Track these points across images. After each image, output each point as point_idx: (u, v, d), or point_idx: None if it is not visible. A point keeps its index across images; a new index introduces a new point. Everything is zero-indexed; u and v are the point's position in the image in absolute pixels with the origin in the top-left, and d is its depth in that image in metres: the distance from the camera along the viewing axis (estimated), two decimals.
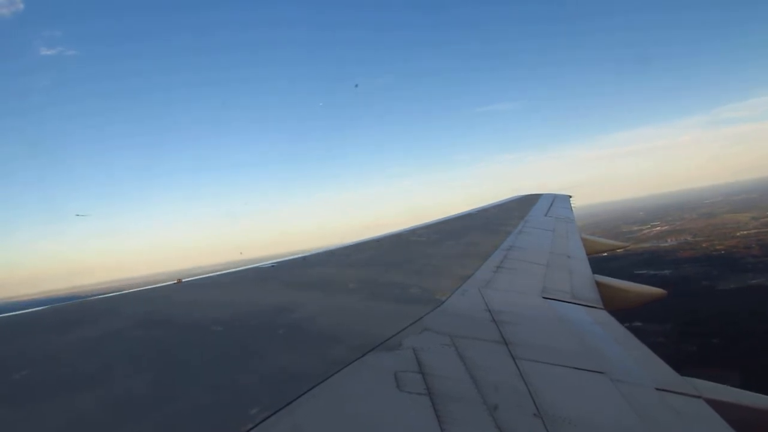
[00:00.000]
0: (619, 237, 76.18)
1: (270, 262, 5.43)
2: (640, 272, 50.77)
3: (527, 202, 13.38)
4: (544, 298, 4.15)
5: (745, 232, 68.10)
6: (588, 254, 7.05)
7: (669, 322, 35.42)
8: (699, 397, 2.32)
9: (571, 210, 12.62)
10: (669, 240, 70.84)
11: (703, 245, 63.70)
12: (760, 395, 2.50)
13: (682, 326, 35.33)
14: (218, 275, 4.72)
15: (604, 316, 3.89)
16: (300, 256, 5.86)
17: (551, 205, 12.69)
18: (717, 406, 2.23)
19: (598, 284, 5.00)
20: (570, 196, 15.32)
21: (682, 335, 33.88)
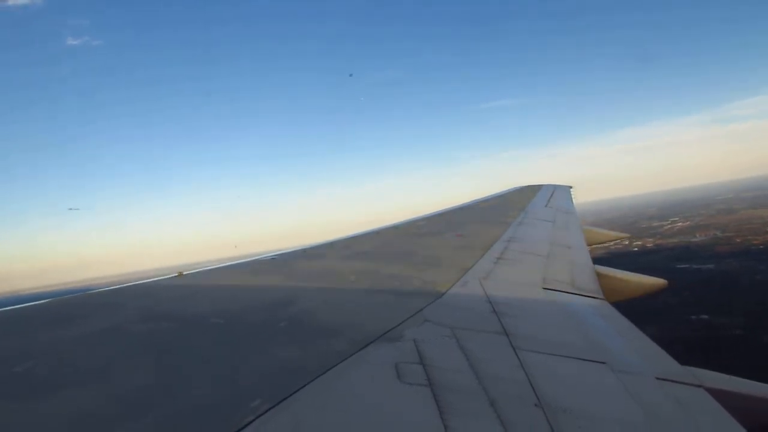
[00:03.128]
0: (642, 233, 76.25)
1: (270, 254, 5.43)
2: (682, 266, 50.99)
3: (527, 193, 13.35)
4: (544, 289, 4.15)
5: None
6: (588, 245, 7.04)
7: (739, 316, 35.01)
8: (700, 386, 2.33)
9: (572, 201, 12.59)
10: (698, 235, 70.58)
11: (737, 240, 63.35)
12: (761, 384, 2.51)
13: (756, 320, 34.63)
14: (219, 268, 4.72)
15: (605, 306, 3.89)
16: (300, 248, 5.86)
17: (551, 196, 12.66)
18: (718, 394, 2.23)
19: (599, 275, 5.00)
20: (570, 187, 15.28)
21: (760, 328, 33.27)
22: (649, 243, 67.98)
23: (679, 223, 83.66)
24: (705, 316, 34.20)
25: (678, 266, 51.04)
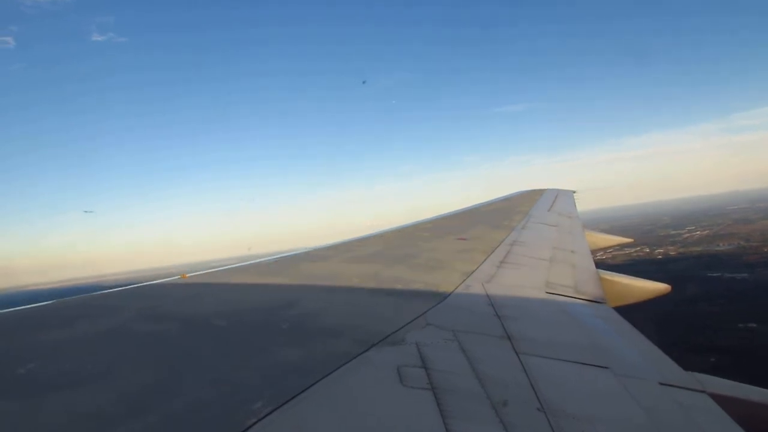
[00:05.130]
0: (662, 241, 75.23)
1: (273, 256, 5.45)
2: (714, 275, 50.80)
3: (531, 197, 13.34)
4: (547, 293, 4.15)
5: None
6: (591, 250, 7.02)
7: None
8: (703, 391, 2.32)
9: (575, 205, 12.56)
10: (721, 244, 69.42)
11: (765, 250, 62.40)
12: (764, 390, 2.50)
13: None
14: (222, 270, 4.74)
15: (608, 311, 3.88)
16: (303, 250, 5.87)
17: (555, 200, 12.64)
18: (721, 400, 2.22)
19: (602, 279, 4.99)
20: (574, 192, 15.24)
21: None
22: (672, 251, 67.57)
23: (698, 232, 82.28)
24: (753, 325, 34.15)
25: (709, 275, 50.98)
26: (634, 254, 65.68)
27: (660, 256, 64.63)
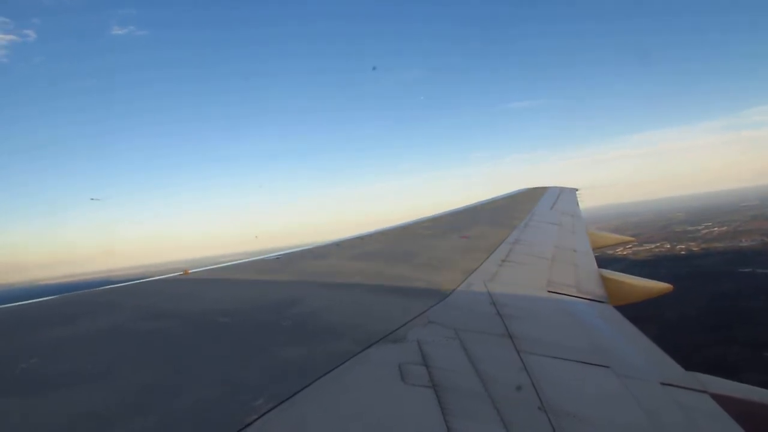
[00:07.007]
0: (681, 237, 74.96)
1: (275, 253, 5.45)
2: (745, 270, 50.51)
3: (533, 195, 13.30)
4: (549, 292, 4.14)
5: None
6: (593, 248, 7.01)
7: None
8: (704, 392, 2.31)
9: (578, 203, 12.53)
10: (744, 240, 68.10)
11: None
12: (765, 390, 2.49)
13: None
14: (224, 267, 4.74)
15: (610, 310, 3.88)
16: (305, 248, 5.88)
17: (557, 198, 12.61)
18: (722, 401, 2.22)
19: (604, 278, 4.99)
20: (576, 190, 15.19)
21: None
22: (694, 247, 67.40)
23: (716, 228, 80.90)
24: None
25: (740, 270, 50.30)
26: (656, 250, 65.55)
27: (683, 252, 64.52)
